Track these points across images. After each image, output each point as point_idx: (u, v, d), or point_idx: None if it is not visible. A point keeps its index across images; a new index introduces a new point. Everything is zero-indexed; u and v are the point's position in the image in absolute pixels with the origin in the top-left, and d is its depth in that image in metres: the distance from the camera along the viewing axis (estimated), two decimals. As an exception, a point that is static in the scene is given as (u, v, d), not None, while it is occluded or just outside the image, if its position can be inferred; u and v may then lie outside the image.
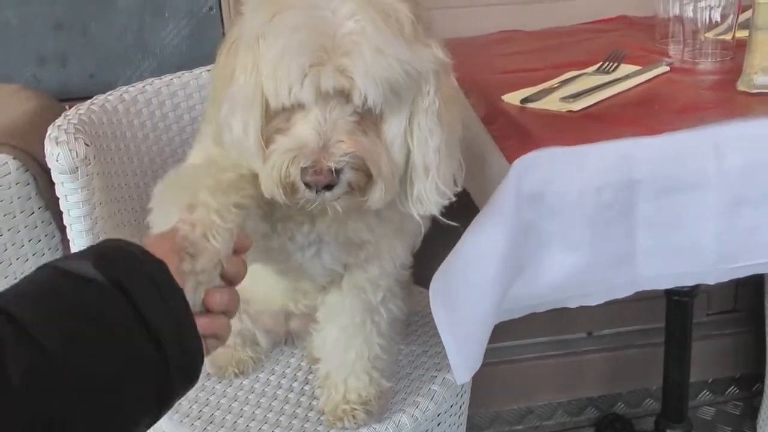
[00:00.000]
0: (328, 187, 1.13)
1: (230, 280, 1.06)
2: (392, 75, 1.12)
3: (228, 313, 1.03)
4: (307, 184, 1.13)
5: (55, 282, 0.86)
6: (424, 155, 1.20)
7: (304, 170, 1.12)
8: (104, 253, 0.90)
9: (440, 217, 1.26)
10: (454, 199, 1.25)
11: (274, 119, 1.18)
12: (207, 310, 1.00)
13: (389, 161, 1.18)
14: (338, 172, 1.12)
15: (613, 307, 1.42)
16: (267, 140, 1.18)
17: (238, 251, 1.09)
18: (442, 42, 1.23)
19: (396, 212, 1.30)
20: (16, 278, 1.48)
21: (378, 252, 1.38)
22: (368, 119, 1.17)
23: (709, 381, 2.63)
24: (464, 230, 1.34)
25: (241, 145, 1.19)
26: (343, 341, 1.45)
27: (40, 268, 0.90)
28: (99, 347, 0.83)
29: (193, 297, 0.97)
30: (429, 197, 1.22)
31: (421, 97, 1.19)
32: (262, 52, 1.16)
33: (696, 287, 1.82)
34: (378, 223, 1.33)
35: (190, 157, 1.41)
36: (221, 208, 1.09)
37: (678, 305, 1.91)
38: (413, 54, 1.15)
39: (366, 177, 1.15)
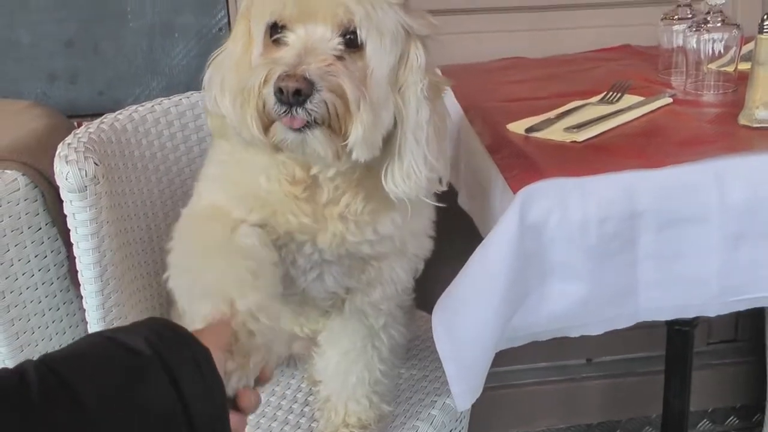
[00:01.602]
0: (302, 99, 1.10)
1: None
2: (381, 10, 1.14)
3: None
4: (279, 92, 1.10)
5: (105, 349, 0.87)
6: (414, 122, 1.20)
7: (278, 78, 1.10)
8: (156, 330, 0.91)
9: (424, 199, 1.27)
10: (442, 182, 1.27)
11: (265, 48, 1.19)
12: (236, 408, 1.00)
13: (371, 100, 1.15)
14: (313, 84, 1.09)
15: (613, 334, 1.43)
16: None
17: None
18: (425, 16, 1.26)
19: (396, 228, 1.32)
20: (21, 293, 1.50)
21: (379, 275, 1.38)
22: (354, 56, 1.16)
23: (709, 410, 2.63)
24: (464, 250, 1.35)
25: (226, 109, 1.21)
26: (345, 365, 1.45)
27: (90, 336, 0.92)
28: (137, 415, 0.83)
29: (232, 392, 0.98)
30: (418, 169, 1.20)
31: (410, 61, 1.20)
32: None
33: (697, 317, 1.82)
34: (378, 240, 1.33)
35: (200, 191, 1.41)
36: (264, 304, 1.10)
37: (679, 334, 1.91)
38: (401, 9, 1.18)
39: (344, 106, 1.12)
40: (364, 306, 1.41)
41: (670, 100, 1.69)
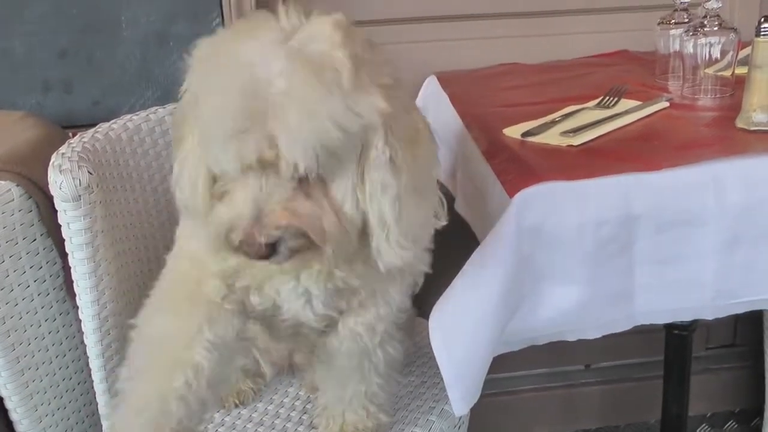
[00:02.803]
0: (266, 257, 1.08)
1: None
2: (326, 138, 1.03)
3: None
4: (246, 255, 1.10)
5: None
6: (378, 210, 1.12)
7: (239, 243, 1.08)
8: None
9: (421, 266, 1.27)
10: (427, 248, 1.26)
11: (220, 179, 1.13)
12: None
13: (339, 222, 1.11)
14: (274, 244, 1.07)
15: (611, 339, 1.43)
16: (216, 198, 1.15)
17: None
18: (393, 83, 1.13)
19: None
20: (17, 304, 1.49)
21: (372, 297, 1.35)
22: (311, 183, 1.09)
23: (708, 415, 2.62)
24: (461, 255, 1.35)
25: (190, 206, 1.18)
26: (340, 379, 1.44)
27: None
28: None
29: None
30: (387, 252, 1.15)
31: (369, 149, 1.10)
32: (197, 115, 1.10)
33: (695, 321, 1.81)
34: (366, 269, 1.27)
35: (179, 235, 1.38)
36: None
37: (677, 339, 1.90)
38: (350, 109, 1.04)
39: (310, 241, 1.10)
40: (358, 327, 1.38)
41: (667, 104, 1.69)
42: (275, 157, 1.04)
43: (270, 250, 1.08)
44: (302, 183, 1.08)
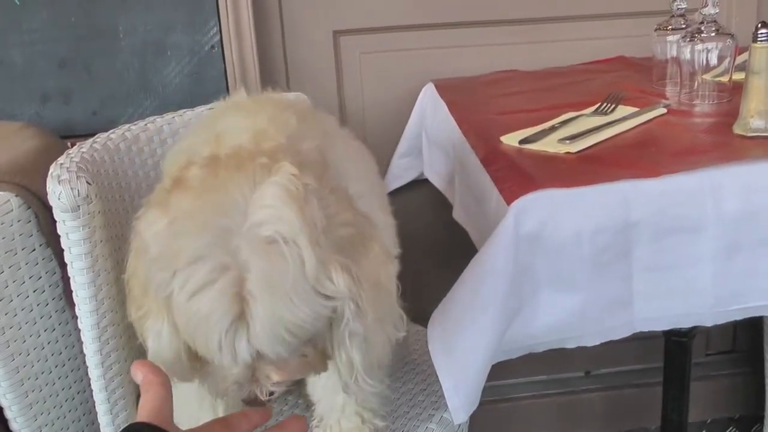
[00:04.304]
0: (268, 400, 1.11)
1: None
2: (300, 330, 1.02)
3: None
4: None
5: None
6: (346, 356, 1.13)
7: (245, 399, 1.12)
8: (136, 429, 0.91)
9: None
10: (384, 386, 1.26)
11: None
12: None
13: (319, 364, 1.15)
14: (273, 393, 1.10)
15: (611, 346, 1.42)
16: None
17: None
18: (340, 220, 1.08)
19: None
20: (16, 314, 1.49)
21: None
22: None
23: (708, 421, 2.62)
24: (459, 263, 1.35)
25: (177, 374, 1.16)
26: (330, 386, 1.45)
27: None
28: None
29: None
30: (354, 390, 1.18)
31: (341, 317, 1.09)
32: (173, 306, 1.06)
33: (694, 328, 1.82)
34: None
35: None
36: None
37: (677, 345, 1.90)
38: (316, 295, 1.02)
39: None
40: None
41: (665, 110, 1.69)
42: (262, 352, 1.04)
43: (272, 398, 1.12)
44: None
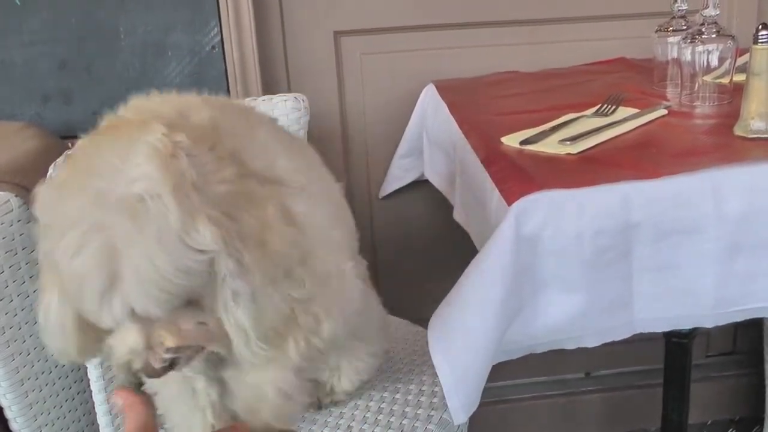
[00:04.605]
0: (167, 372, 1.08)
1: None
2: (170, 285, 1.01)
3: None
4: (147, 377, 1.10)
5: None
6: (234, 319, 1.09)
7: (139, 370, 1.08)
8: None
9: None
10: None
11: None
12: None
13: (219, 330, 1.10)
14: (172, 363, 1.07)
15: (610, 347, 1.42)
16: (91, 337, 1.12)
17: None
18: (217, 176, 1.08)
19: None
20: (16, 315, 1.49)
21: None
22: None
23: (708, 423, 2.62)
24: (459, 264, 1.35)
25: (63, 352, 1.15)
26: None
27: None
28: None
29: None
30: (248, 357, 1.14)
31: (216, 265, 1.06)
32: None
33: (695, 329, 1.82)
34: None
35: None
36: None
37: (677, 347, 1.90)
38: (182, 248, 1.01)
39: (203, 349, 1.11)
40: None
41: (665, 111, 1.69)
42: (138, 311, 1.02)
43: (168, 369, 1.07)
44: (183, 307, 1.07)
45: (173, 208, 0.99)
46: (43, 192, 1.06)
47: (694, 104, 1.73)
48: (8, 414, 1.53)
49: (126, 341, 1.06)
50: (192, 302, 1.07)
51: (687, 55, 1.71)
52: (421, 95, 2.19)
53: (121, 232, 0.98)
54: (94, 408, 1.53)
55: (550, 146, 1.52)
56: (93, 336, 1.10)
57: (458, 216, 1.79)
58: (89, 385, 1.50)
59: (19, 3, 1.99)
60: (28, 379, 1.53)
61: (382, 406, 1.59)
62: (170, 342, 1.06)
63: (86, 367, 1.50)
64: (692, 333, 1.85)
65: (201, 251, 1.02)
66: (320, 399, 1.59)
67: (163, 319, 1.05)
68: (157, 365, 1.06)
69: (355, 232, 1.51)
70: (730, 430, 2.62)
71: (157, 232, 0.99)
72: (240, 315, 1.09)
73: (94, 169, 1.02)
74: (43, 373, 1.56)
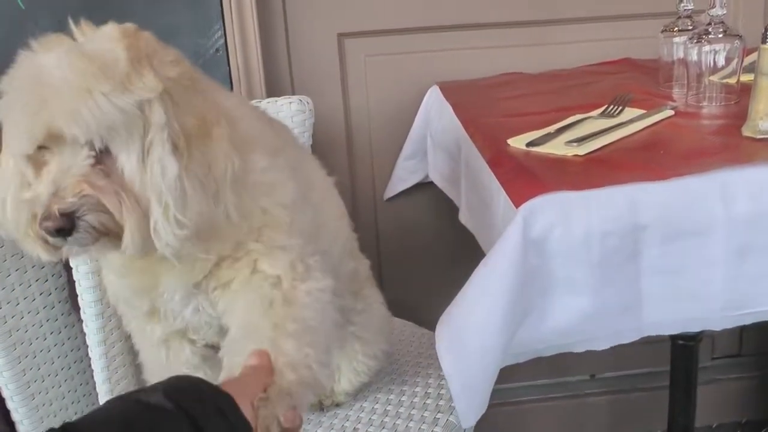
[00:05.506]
0: (67, 231, 1.08)
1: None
2: (99, 113, 1.08)
3: None
4: (47, 231, 1.09)
5: (127, 409, 0.89)
6: (158, 189, 1.12)
7: (39, 221, 1.09)
8: (174, 384, 0.94)
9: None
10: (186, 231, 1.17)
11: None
12: None
13: (134, 201, 1.12)
14: (73, 215, 1.08)
15: (616, 349, 1.41)
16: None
17: None
18: (184, 78, 1.19)
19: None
20: (23, 317, 1.49)
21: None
22: (108, 162, 1.12)
23: (714, 426, 2.62)
24: (466, 267, 1.34)
25: (7, 226, 1.18)
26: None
27: (110, 401, 0.94)
28: None
29: None
30: (164, 229, 1.13)
31: (150, 129, 1.13)
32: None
33: (701, 332, 1.81)
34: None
35: None
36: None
37: (683, 349, 1.90)
38: (123, 87, 1.10)
39: (113, 219, 1.11)
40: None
41: (672, 112, 1.68)
42: (59, 131, 1.08)
43: (68, 223, 1.08)
44: (99, 162, 1.11)
45: (124, 57, 1.12)
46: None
47: (700, 105, 1.72)
48: (15, 417, 1.53)
49: (36, 188, 1.12)
50: (116, 161, 1.12)
51: (693, 55, 1.70)
52: (426, 97, 2.19)
53: (74, 65, 1.10)
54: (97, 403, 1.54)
55: (556, 148, 1.52)
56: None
57: (464, 218, 1.78)
58: (95, 388, 1.51)
59: (23, 6, 1.99)
60: (35, 381, 1.54)
61: (387, 408, 1.59)
62: (77, 187, 1.09)
63: (92, 370, 1.49)
64: (698, 336, 1.85)
65: (133, 92, 1.11)
66: (321, 401, 1.59)
67: (76, 174, 1.09)
68: (59, 206, 1.07)
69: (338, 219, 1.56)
70: (737, 432, 2.62)
71: (102, 67, 1.10)
72: (164, 187, 1.12)
73: (58, 39, 1.19)
74: (49, 375, 1.58)
